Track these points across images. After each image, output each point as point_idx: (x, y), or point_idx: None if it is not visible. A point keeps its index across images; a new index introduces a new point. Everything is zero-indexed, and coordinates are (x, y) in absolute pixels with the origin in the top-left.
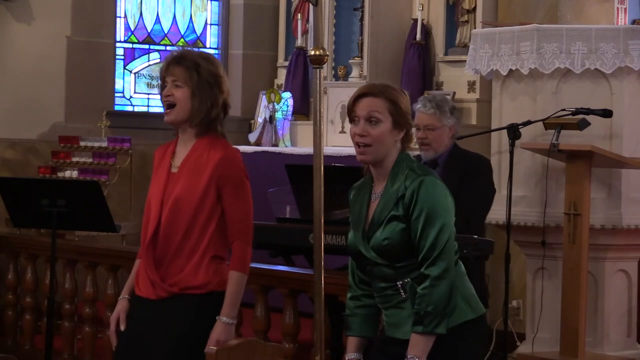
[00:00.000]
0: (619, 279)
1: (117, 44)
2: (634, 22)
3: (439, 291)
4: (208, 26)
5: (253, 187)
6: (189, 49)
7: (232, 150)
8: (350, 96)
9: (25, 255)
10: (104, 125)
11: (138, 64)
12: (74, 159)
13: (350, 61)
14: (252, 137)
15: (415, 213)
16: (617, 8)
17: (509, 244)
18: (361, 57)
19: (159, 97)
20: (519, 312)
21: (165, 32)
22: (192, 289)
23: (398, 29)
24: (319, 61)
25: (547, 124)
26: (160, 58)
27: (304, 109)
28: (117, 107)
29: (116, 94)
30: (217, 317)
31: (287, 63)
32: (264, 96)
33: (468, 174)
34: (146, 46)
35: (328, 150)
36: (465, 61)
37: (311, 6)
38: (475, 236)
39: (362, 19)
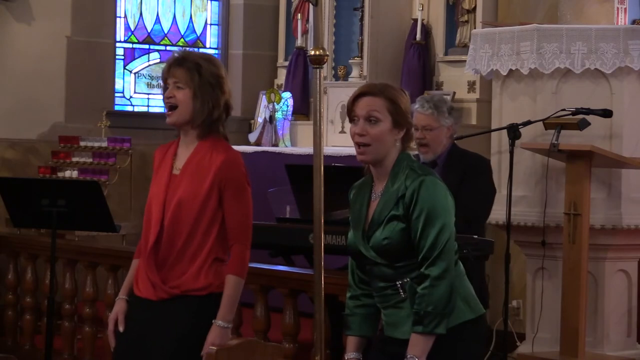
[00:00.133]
0: (619, 279)
1: (117, 44)
2: (634, 22)
3: (439, 291)
4: (208, 26)
5: (253, 187)
6: (190, 50)
7: (234, 153)
8: (350, 96)
9: (25, 255)
10: (104, 125)
11: (138, 64)
12: (74, 159)
13: (350, 61)
14: (252, 137)
15: (416, 213)
16: (617, 8)
17: (509, 244)
18: (361, 57)
19: (158, 97)
20: (519, 312)
21: (165, 32)
22: (193, 291)
23: (398, 29)
24: (319, 61)
25: (547, 124)
26: (160, 58)
27: (304, 109)
28: (117, 107)
29: (116, 94)
30: (213, 321)
31: (287, 63)
32: (264, 96)
33: (467, 174)
34: (146, 46)
35: (328, 150)
36: (465, 61)
37: (311, 6)
38: (475, 236)
39: (362, 19)
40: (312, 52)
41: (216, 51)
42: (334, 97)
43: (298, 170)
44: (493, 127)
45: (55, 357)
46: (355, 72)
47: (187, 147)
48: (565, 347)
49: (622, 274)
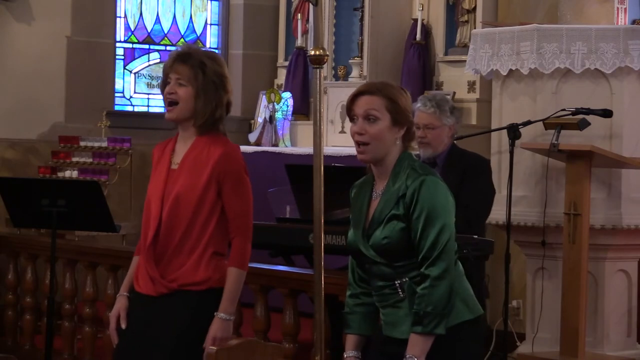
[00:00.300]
0: (619, 279)
1: (117, 44)
2: (634, 22)
3: (439, 291)
4: (208, 26)
5: (253, 187)
6: (193, 46)
7: (232, 147)
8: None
9: (25, 255)
10: (104, 125)
11: (138, 64)
12: (74, 159)
13: (350, 61)
14: (252, 137)
15: (416, 213)
16: (617, 8)
17: (509, 244)
18: (361, 57)
19: (159, 97)
20: (519, 312)
21: (165, 32)
22: (192, 286)
23: (398, 29)
24: (319, 61)
25: (547, 124)
26: (160, 58)
27: (304, 109)
28: (117, 107)
29: (116, 94)
30: (215, 314)
31: (287, 63)
32: (264, 96)
33: (467, 174)
34: (146, 46)
35: (328, 150)
36: (465, 61)
37: (311, 6)
38: (475, 236)
39: (362, 19)
40: (312, 52)
41: (216, 51)
42: (334, 97)
43: (298, 170)
44: (493, 127)
45: (55, 357)
46: (355, 72)
47: (185, 142)
48: (565, 347)
49: (622, 274)
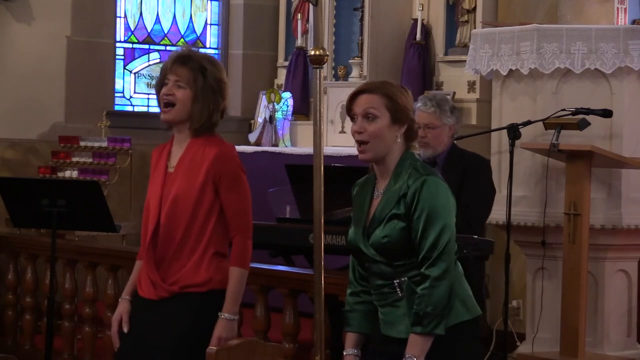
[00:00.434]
0: (619, 279)
1: (117, 44)
2: (634, 22)
3: (439, 292)
4: (208, 26)
5: (253, 187)
6: (193, 49)
7: (226, 146)
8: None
9: (25, 255)
10: (104, 125)
11: (138, 64)
12: (74, 159)
13: (350, 61)
14: (252, 137)
15: (417, 213)
16: (617, 8)
17: (509, 244)
18: (361, 57)
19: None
20: (519, 312)
21: (165, 32)
22: (193, 287)
23: (398, 29)
24: (319, 61)
25: (547, 124)
26: (160, 58)
27: (304, 109)
28: (117, 107)
29: (116, 94)
30: (219, 314)
31: (287, 63)
32: (264, 96)
33: (467, 174)
34: (146, 46)
35: (328, 150)
36: (465, 61)
37: (311, 6)
38: (475, 236)
39: (362, 19)
40: (312, 52)
41: (216, 51)
42: (334, 97)
43: (298, 170)
44: (493, 127)
45: (55, 357)
46: (355, 72)
47: (181, 145)
48: (565, 347)
49: (622, 274)
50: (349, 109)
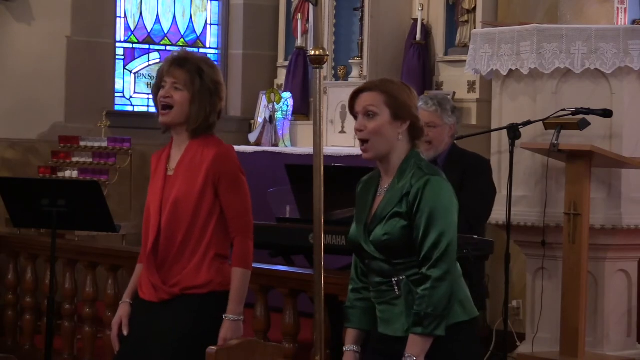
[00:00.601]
0: (619, 279)
1: (117, 44)
2: (634, 22)
3: (440, 293)
4: (208, 26)
5: (253, 187)
6: (190, 51)
7: (225, 147)
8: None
9: (25, 255)
10: (104, 125)
11: (138, 64)
12: (74, 159)
13: (350, 61)
14: (252, 137)
15: (419, 212)
16: (617, 8)
17: (509, 244)
18: (361, 57)
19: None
20: (519, 312)
21: (165, 32)
22: (193, 289)
23: (398, 29)
24: (319, 61)
25: (547, 124)
26: (160, 58)
27: (304, 109)
28: (117, 107)
29: (116, 94)
30: (223, 315)
31: (287, 63)
32: (264, 96)
33: (467, 174)
34: (146, 46)
35: (328, 150)
36: (465, 61)
37: (311, 6)
38: (475, 236)
39: (362, 19)
40: (312, 52)
41: (216, 51)
42: (334, 97)
43: (298, 170)
44: (493, 127)
45: (55, 357)
46: (355, 72)
47: (180, 147)
48: (565, 347)
49: (622, 274)
50: (351, 108)
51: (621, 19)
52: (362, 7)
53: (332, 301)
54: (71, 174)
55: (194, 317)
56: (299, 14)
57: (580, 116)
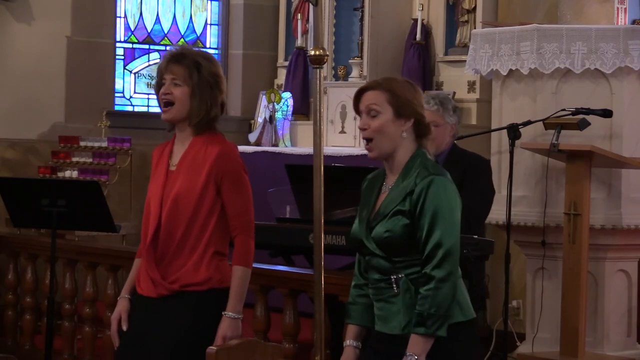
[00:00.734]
0: (619, 279)
1: (117, 44)
2: (634, 22)
3: (443, 293)
4: (208, 26)
5: (253, 187)
6: (187, 47)
7: (229, 145)
8: (350, 96)
9: (25, 255)
10: (104, 125)
11: (138, 64)
12: (74, 159)
13: (350, 61)
14: (252, 137)
15: (423, 211)
16: (617, 8)
17: (509, 244)
18: (361, 57)
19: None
20: (519, 312)
21: (165, 32)
22: (192, 286)
23: (398, 29)
24: (319, 61)
25: (547, 124)
26: (160, 58)
27: (304, 109)
28: (117, 107)
29: (116, 94)
30: (223, 313)
31: (287, 63)
32: (264, 96)
33: (467, 174)
34: (146, 46)
35: (328, 150)
36: (465, 61)
37: (311, 6)
38: (475, 236)
39: (362, 19)
40: (312, 52)
41: (216, 51)
42: (334, 97)
43: (298, 170)
44: (493, 127)
45: (55, 357)
46: (355, 72)
47: (183, 143)
48: (565, 347)
49: (622, 274)
50: (356, 107)
51: (621, 19)
52: (362, 7)
53: (332, 301)
54: (71, 174)
55: (193, 314)
56: (299, 14)
57: (580, 116)
